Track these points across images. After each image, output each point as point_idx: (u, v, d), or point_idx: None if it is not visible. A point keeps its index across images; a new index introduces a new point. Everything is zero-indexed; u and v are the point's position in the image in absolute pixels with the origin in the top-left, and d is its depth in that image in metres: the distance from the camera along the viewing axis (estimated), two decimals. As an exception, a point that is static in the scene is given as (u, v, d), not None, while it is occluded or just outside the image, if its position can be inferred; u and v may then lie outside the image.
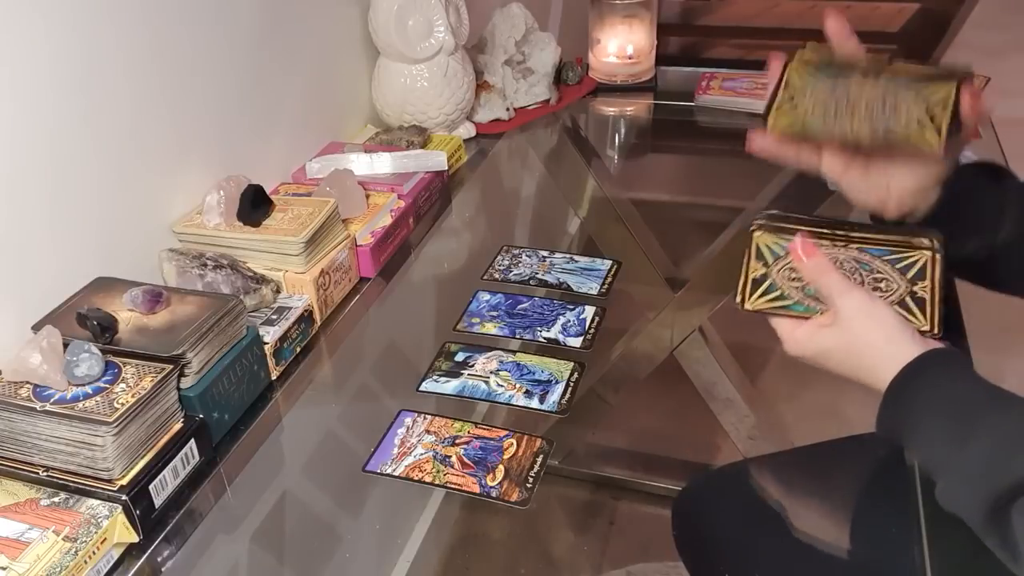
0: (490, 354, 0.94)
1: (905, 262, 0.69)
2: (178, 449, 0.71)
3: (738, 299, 0.74)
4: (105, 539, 0.64)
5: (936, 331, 0.68)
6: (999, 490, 0.55)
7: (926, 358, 0.63)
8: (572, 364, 0.92)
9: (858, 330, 0.66)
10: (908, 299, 0.68)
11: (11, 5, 0.72)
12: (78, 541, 0.63)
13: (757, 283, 0.73)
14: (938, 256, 0.69)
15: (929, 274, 0.69)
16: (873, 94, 0.67)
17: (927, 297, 0.68)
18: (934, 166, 0.70)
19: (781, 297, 0.72)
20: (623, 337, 1.53)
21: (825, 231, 0.73)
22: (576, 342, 0.94)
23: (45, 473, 0.68)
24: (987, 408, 0.59)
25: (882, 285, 0.69)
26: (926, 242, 0.70)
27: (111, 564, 0.65)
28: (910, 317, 0.68)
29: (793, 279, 0.72)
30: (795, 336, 0.70)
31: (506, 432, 0.84)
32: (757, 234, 0.74)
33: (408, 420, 0.86)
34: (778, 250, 0.73)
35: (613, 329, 1.42)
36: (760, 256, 0.73)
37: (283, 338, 0.85)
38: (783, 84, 0.71)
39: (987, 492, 0.56)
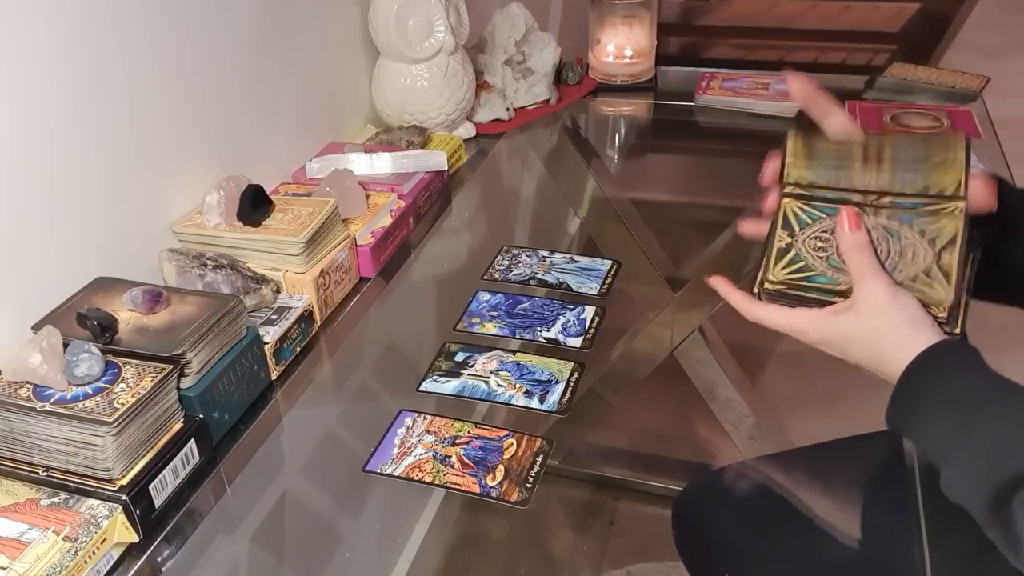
0: (490, 354, 0.94)
1: (934, 227, 0.67)
2: (178, 449, 0.71)
3: (758, 278, 0.71)
4: (105, 539, 0.64)
5: (954, 328, 0.66)
6: (1001, 481, 0.55)
7: (939, 348, 0.63)
8: (572, 364, 0.92)
9: (877, 315, 0.65)
10: (935, 267, 0.66)
11: (11, 5, 0.72)
12: (78, 541, 0.63)
13: (782, 252, 0.70)
14: (966, 220, 0.67)
15: (959, 241, 0.66)
16: (876, 225, 0.67)
17: (952, 270, 0.66)
18: None
19: (805, 268, 0.70)
20: (623, 337, 1.53)
21: (858, 190, 0.70)
22: (576, 342, 0.94)
23: (45, 473, 0.68)
24: (993, 400, 0.59)
25: (909, 254, 0.67)
26: (960, 205, 0.67)
27: (111, 564, 0.65)
28: (929, 290, 0.66)
29: (818, 248, 0.69)
30: (812, 323, 0.68)
31: (506, 432, 0.84)
32: (785, 201, 0.71)
33: (408, 420, 0.86)
34: (806, 218, 0.70)
35: (613, 329, 1.42)
36: (787, 225, 0.71)
37: (283, 338, 0.85)
38: (778, 224, 0.71)
39: (990, 483, 0.56)
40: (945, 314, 0.66)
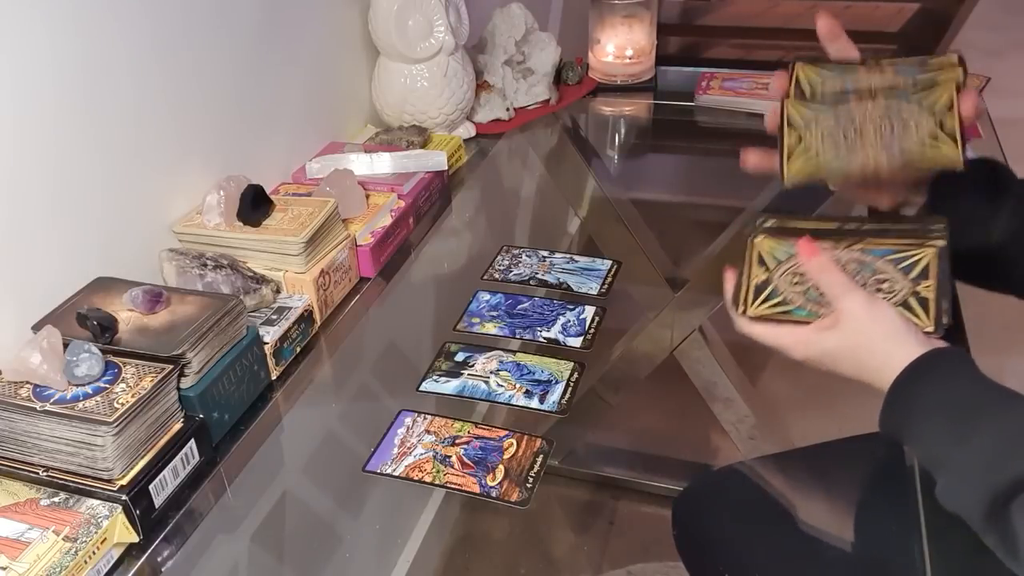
0: (490, 354, 0.94)
1: (908, 261, 0.68)
2: (178, 449, 0.71)
3: (739, 309, 0.73)
4: (105, 539, 0.64)
5: (936, 331, 0.67)
6: (998, 488, 0.55)
7: (929, 357, 0.63)
8: (572, 364, 0.92)
9: (860, 330, 0.66)
10: (912, 299, 0.68)
11: (12, 5, 0.72)
12: (78, 541, 0.63)
13: (759, 289, 0.72)
14: (942, 247, 0.68)
15: (933, 272, 0.68)
16: (876, 114, 0.68)
17: (930, 297, 0.67)
18: None
19: (783, 303, 0.71)
20: (623, 337, 1.53)
21: (830, 228, 0.72)
22: (576, 342, 0.94)
23: (45, 473, 0.68)
24: (988, 407, 0.59)
25: (884, 286, 0.68)
26: (931, 239, 0.69)
27: (111, 564, 0.65)
28: (913, 318, 0.67)
29: (796, 283, 0.71)
30: (799, 341, 0.70)
31: (506, 432, 0.84)
32: (758, 240, 0.73)
33: (408, 420, 0.86)
34: (780, 255, 0.72)
35: (613, 329, 1.43)
36: (762, 262, 0.72)
37: (283, 338, 0.85)
38: (785, 124, 0.71)
39: (986, 490, 0.56)
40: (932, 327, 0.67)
